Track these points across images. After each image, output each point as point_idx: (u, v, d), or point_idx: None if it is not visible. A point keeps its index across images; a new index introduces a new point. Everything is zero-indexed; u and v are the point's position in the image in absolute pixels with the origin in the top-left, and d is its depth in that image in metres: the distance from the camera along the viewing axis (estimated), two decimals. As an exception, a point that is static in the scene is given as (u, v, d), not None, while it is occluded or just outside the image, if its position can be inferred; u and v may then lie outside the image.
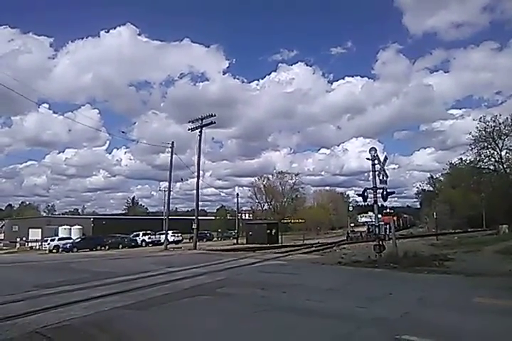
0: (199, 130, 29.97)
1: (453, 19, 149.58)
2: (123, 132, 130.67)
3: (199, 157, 30.59)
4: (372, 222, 43.79)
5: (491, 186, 44.63)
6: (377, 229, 16.98)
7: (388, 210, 49.70)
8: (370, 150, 16.92)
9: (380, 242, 15.91)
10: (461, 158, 50.46)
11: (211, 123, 29.95)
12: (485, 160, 41.89)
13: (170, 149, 32.27)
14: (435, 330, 5.52)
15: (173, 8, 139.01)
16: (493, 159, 41.52)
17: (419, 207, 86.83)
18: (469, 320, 6.09)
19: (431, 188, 75.66)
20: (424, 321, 5.97)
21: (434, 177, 76.10)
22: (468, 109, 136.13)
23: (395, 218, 43.00)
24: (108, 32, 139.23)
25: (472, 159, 43.99)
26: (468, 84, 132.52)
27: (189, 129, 30.58)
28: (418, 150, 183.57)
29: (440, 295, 8.33)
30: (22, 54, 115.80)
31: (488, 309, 6.83)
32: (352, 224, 76.65)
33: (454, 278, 10.96)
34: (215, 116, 29.61)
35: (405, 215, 75.12)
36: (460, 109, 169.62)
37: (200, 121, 29.84)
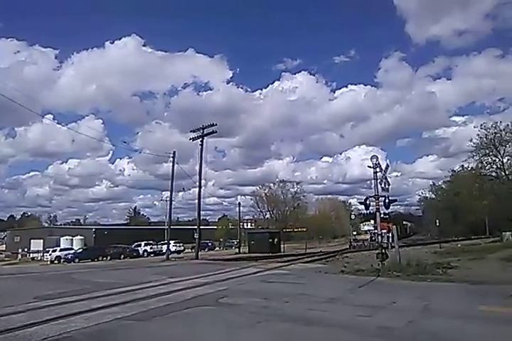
0: (200, 139, 30.06)
1: (456, 27, 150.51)
2: (124, 142, 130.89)
3: (200, 166, 30.63)
4: (374, 230, 43.43)
5: (493, 193, 44.49)
6: (379, 238, 16.88)
7: (383, 215, 46.88)
8: (372, 158, 16.93)
9: (383, 251, 15.83)
10: (462, 165, 50.53)
11: (212, 132, 30.05)
12: (487, 167, 41.89)
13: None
14: (440, 339, 5.47)
15: (177, 19, 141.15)
16: (494, 166, 41.53)
17: (421, 214, 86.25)
18: (474, 329, 6.01)
19: (433, 196, 75.35)
20: (428, 330, 5.90)
21: (436, 184, 75.84)
22: (471, 116, 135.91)
23: (390, 225, 41.98)
24: (113, 43, 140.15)
25: (474, 166, 44.01)
26: (470, 91, 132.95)
27: (190, 139, 30.68)
28: (421, 158, 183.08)
29: (444, 304, 8.24)
30: (28, 65, 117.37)
31: (493, 317, 6.76)
32: (354, 233, 76.18)
33: (458, 287, 10.87)
34: (216, 125, 29.75)
35: (405, 222, 71.80)
36: (463, 116, 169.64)
37: (201, 131, 29.94)
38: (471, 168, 45.88)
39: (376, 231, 17.59)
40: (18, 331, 6.05)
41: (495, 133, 40.19)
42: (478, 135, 40.68)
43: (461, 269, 14.77)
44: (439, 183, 72.78)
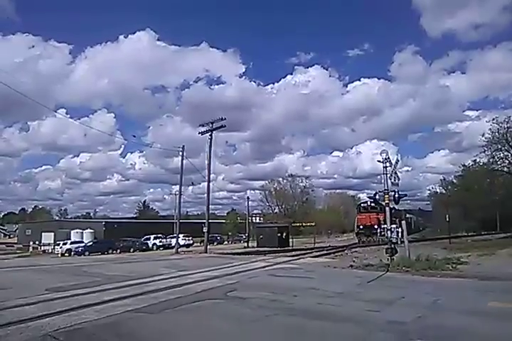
0: (209, 134, 30.08)
1: (472, 20, 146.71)
2: (134, 136, 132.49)
3: (209, 160, 30.76)
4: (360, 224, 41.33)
5: (504, 188, 43.92)
6: (388, 233, 16.78)
7: (369, 202, 39.52)
8: (381, 152, 16.80)
9: (392, 245, 15.75)
10: (474, 160, 49.76)
11: (221, 126, 30.02)
12: (499, 162, 41.22)
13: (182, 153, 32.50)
14: (449, 334, 5.44)
15: (192, 14, 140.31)
16: (506, 161, 40.82)
17: (431, 209, 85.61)
18: (484, 324, 5.98)
19: (443, 191, 74.73)
20: (437, 325, 5.89)
21: (447, 179, 75.10)
22: (485, 110, 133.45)
23: (380, 216, 36.41)
24: (127, 37, 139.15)
25: (485, 161, 43.38)
26: (485, 85, 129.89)
27: (199, 133, 30.73)
28: (432, 153, 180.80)
29: (454, 299, 8.19)
30: (42, 60, 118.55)
31: (503, 313, 6.71)
32: (363, 227, 75.59)
33: (467, 282, 10.81)
34: (225, 119, 29.72)
35: (409, 215, 62.88)
36: (476, 110, 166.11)
37: (210, 125, 29.95)
38: (483, 163, 45.26)
39: (385, 226, 17.46)
40: (30, 322, 6.17)
41: (507, 127, 39.46)
42: (490, 129, 39.98)
43: (471, 265, 14.67)
44: (450, 178, 72.06)
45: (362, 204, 43.06)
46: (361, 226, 39.86)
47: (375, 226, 37.17)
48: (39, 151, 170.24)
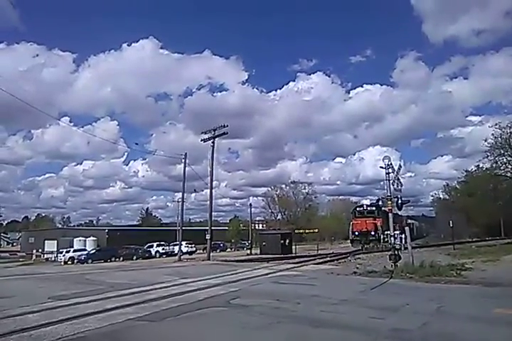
0: (211, 141, 30.13)
1: (474, 26, 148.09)
2: (136, 143, 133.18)
3: (212, 167, 30.72)
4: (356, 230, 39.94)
5: (508, 193, 43.79)
6: (392, 239, 16.72)
7: (365, 206, 38.87)
8: (384, 158, 16.82)
9: (396, 252, 15.69)
10: (477, 166, 49.73)
11: (223, 133, 30.05)
12: (502, 168, 41.13)
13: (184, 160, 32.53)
14: (454, 342, 5.40)
15: (194, 21, 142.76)
16: (510, 166, 40.75)
17: (434, 215, 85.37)
18: (489, 331, 5.93)
19: (447, 196, 74.60)
20: (442, 332, 5.84)
21: (450, 185, 75.03)
22: (488, 115, 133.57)
23: (377, 222, 36.24)
24: (130, 45, 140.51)
25: (489, 166, 43.28)
26: (487, 90, 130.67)
27: (202, 140, 30.74)
28: (435, 158, 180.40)
29: (458, 306, 8.14)
30: (46, 68, 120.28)
31: (508, 320, 6.65)
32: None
33: (472, 289, 10.73)
34: (227, 126, 29.74)
35: (412, 221, 59.15)
36: (479, 115, 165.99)
37: (213, 132, 30.00)
38: (486, 168, 45.16)
39: (388, 232, 17.41)
40: (33, 330, 6.15)
41: (510, 132, 39.45)
42: (493, 135, 39.98)
43: (476, 271, 14.57)
44: (454, 184, 72.02)
45: (358, 209, 41.66)
46: (356, 233, 37.85)
47: (372, 232, 36.43)
48: (42, 159, 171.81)
